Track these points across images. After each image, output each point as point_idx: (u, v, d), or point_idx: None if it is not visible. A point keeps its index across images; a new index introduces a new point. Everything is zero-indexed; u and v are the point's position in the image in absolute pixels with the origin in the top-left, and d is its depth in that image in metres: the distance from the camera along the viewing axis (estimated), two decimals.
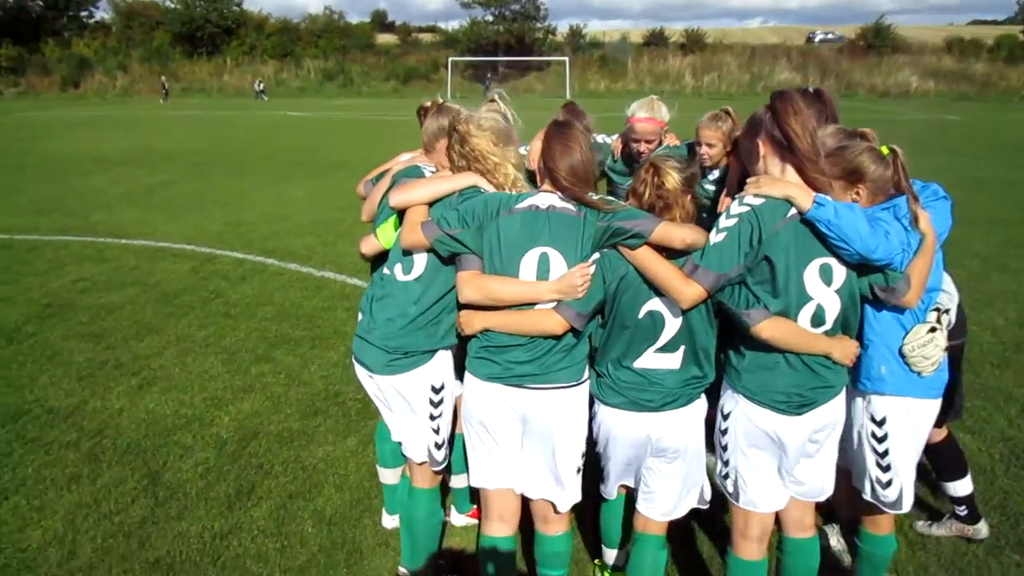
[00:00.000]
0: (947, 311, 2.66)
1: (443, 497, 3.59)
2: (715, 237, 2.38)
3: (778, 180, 2.39)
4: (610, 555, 3.05)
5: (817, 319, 2.40)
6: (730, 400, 2.53)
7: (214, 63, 55.99)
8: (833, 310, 2.41)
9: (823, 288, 2.38)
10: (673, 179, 2.46)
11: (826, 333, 2.43)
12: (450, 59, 53.15)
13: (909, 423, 2.61)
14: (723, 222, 2.39)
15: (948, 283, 2.89)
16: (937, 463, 3.41)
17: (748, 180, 2.50)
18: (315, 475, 4.00)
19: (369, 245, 3.03)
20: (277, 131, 25.04)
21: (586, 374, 2.57)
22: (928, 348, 2.53)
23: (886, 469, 2.63)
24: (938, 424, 3.14)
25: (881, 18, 60.84)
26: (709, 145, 3.69)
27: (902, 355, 2.56)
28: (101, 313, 6.54)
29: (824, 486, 2.62)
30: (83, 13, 63.04)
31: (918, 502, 3.73)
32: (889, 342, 2.57)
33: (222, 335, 6.04)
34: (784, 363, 2.41)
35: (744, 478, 2.54)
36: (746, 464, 2.52)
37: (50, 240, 9.32)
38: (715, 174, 3.79)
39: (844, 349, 2.43)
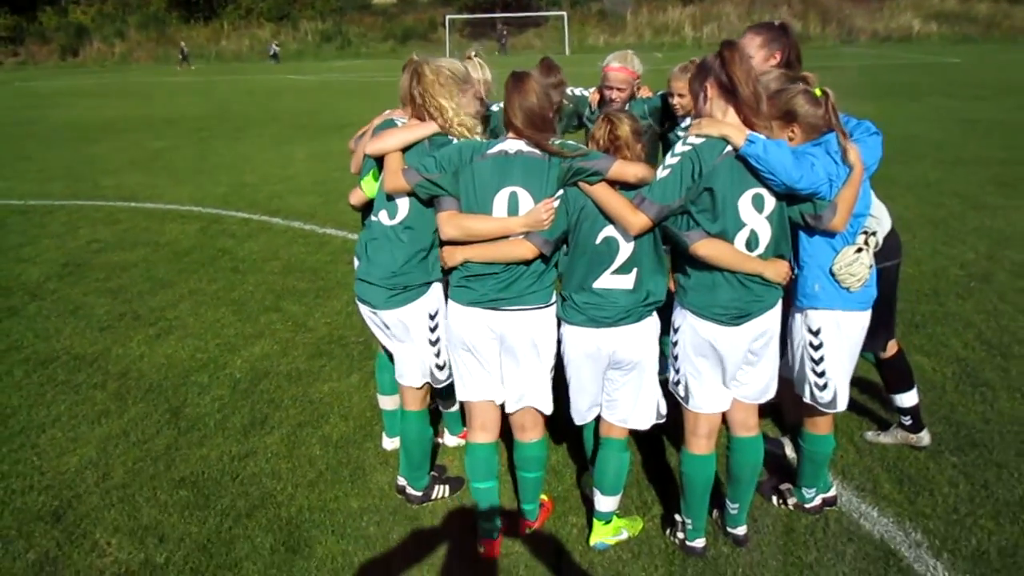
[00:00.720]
0: (874, 233, 2.98)
1: (437, 423, 4.01)
2: (661, 173, 2.70)
3: (716, 121, 2.70)
4: (605, 502, 3.14)
5: (751, 243, 2.73)
6: (679, 316, 2.88)
7: (211, 28, 55.61)
8: (765, 235, 2.73)
9: (755, 215, 2.70)
10: (625, 128, 2.78)
11: (761, 256, 2.75)
12: (447, 17, 52.67)
13: (841, 333, 2.96)
14: (668, 160, 2.72)
15: (879, 209, 3.21)
16: (886, 377, 3.75)
17: (691, 122, 2.82)
18: (321, 407, 4.39)
19: (356, 196, 3.37)
20: (277, 95, 25.17)
21: (553, 298, 2.91)
22: (854, 266, 2.86)
23: (821, 374, 2.99)
24: (880, 341, 3.50)
25: None
26: (680, 95, 3.97)
27: (832, 274, 2.89)
28: (116, 271, 6.92)
29: (765, 389, 2.97)
30: None
31: (868, 413, 4.13)
32: (821, 263, 2.90)
33: (231, 288, 6.42)
34: (723, 281, 2.75)
35: (692, 384, 2.90)
36: (693, 371, 2.88)
37: (63, 204, 9.67)
38: (687, 121, 4.08)
39: (776, 269, 2.76)
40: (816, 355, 2.97)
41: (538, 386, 2.94)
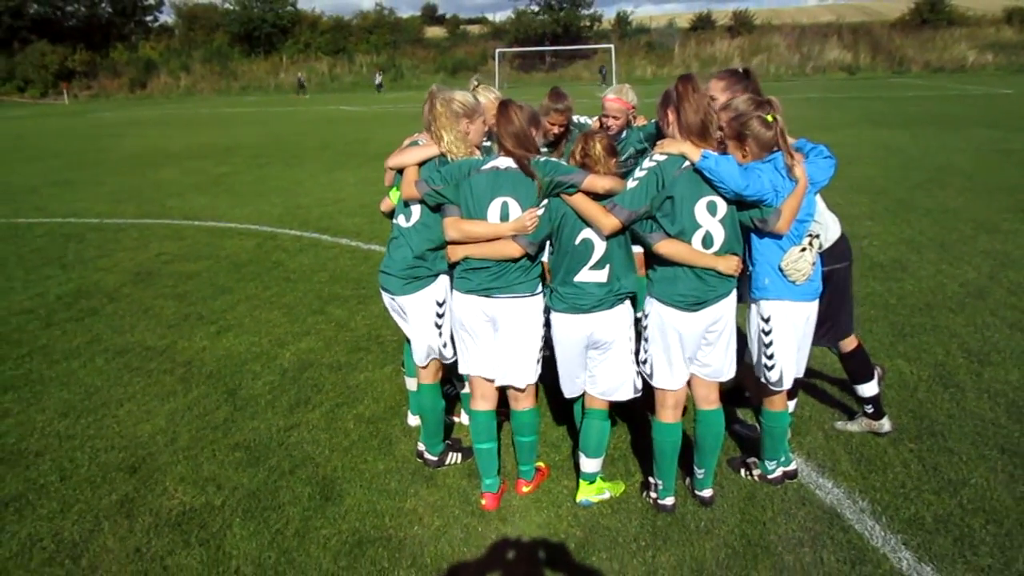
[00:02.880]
0: (817, 236, 3.49)
1: (454, 404, 4.61)
2: (630, 184, 3.29)
3: (676, 141, 3.30)
4: (589, 464, 3.69)
5: (707, 242, 3.28)
6: (647, 303, 3.44)
7: (270, 61, 58.15)
8: (719, 236, 3.28)
9: (710, 218, 3.26)
10: (597, 146, 3.36)
11: (716, 253, 3.30)
12: (497, 50, 54.02)
13: (788, 321, 3.47)
14: (636, 173, 3.31)
15: (825, 217, 3.72)
16: (847, 369, 4.22)
17: (658, 142, 3.41)
18: (357, 392, 5.03)
19: (385, 204, 4.08)
20: (331, 124, 26.42)
21: (538, 289, 3.49)
22: (799, 263, 3.38)
23: (770, 357, 3.50)
24: (831, 336, 3.98)
25: None
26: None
27: (780, 270, 3.42)
28: (182, 279, 7.73)
29: (723, 369, 3.49)
30: (148, 18, 66.08)
31: (837, 404, 4.59)
32: (771, 260, 3.43)
33: (283, 294, 7.15)
34: (683, 274, 3.30)
35: (656, 363, 3.45)
36: (658, 351, 3.43)
37: (134, 223, 10.64)
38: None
39: (727, 263, 3.30)
40: (767, 340, 3.50)
41: (522, 364, 3.51)
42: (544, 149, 4.44)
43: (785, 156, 3.33)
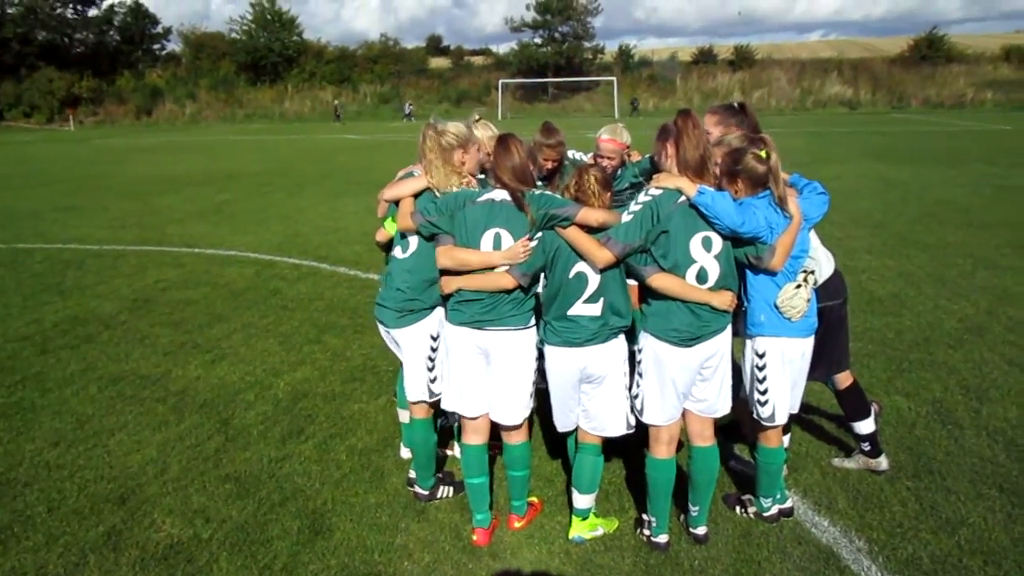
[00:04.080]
0: (812, 272, 3.48)
1: (449, 437, 4.57)
2: (625, 217, 3.29)
3: (672, 176, 3.30)
4: (582, 500, 3.63)
5: (701, 277, 3.27)
6: (641, 338, 3.42)
7: (276, 90, 58.72)
8: (714, 271, 3.28)
9: (704, 254, 3.25)
10: (591, 180, 3.37)
11: (711, 289, 3.29)
12: (500, 81, 54.60)
13: (782, 358, 3.45)
14: (632, 207, 3.30)
15: (819, 253, 3.71)
16: (843, 406, 4.19)
17: (654, 176, 3.42)
18: (351, 423, 4.99)
19: (381, 234, 4.05)
20: (334, 153, 26.61)
21: (531, 322, 3.46)
22: (794, 300, 3.37)
23: (763, 392, 3.48)
24: (823, 371, 3.96)
25: (934, 29, 60.01)
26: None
27: (776, 307, 3.40)
28: (180, 306, 7.72)
29: (717, 404, 3.46)
30: (155, 46, 66.89)
31: (835, 441, 4.55)
32: (766, 296, 3.41)
33: (280, 323, 7.13)
34: (677, 309, 3.29)
35: (647, 399, 3.41)
36: (650, 386, 3.40)
37: (133, 250, 10.66)
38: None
39: (721, 299, 3.28)
40: (760, 375, 3.47)
41: (515, 398, 3.48)
42: (539, 183, 4.45)
43: (775, 190, 3.32)
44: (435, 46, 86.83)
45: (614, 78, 53.84)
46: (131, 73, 61.33)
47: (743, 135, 3.58)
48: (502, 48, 68.10)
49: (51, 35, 59.86)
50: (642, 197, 3.32)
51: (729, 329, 3.40)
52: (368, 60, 62.40)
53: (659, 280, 3.24)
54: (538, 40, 61.23)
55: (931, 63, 56.17)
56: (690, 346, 3.30)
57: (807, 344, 3.51)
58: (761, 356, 3.46)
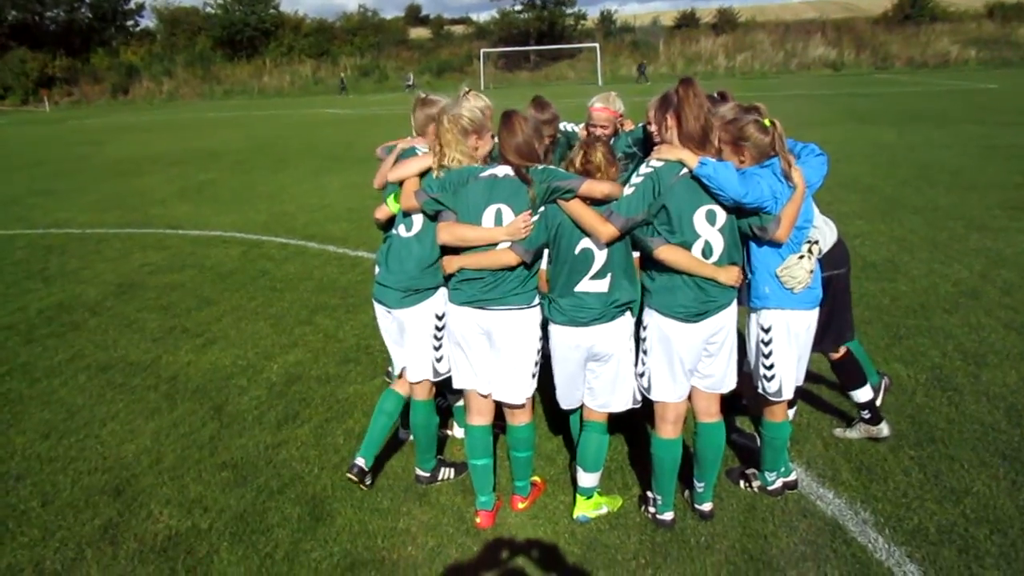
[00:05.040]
0: (816, 242, 3.41)
1: (448, 417, 4.51)
2: (627, 191, 3.20)
3: (673, 147, 3.21)
4: (586, 478, 3.60)
5: (706, 252, 3.20)
6: (646, 315, 3.35)
7: (254, 65, 57.74)
8: (718, 245, 3.20)
9: (709, 228, 3.18)
10: (598, 154, 3.28)
11: (715, 263, 3.22)
12: (482, 51, 53.94)
13: (788, 331, 3.39)
14: (633, 180, 3.22)
15: (822, 222, 3.64)
16: (840, 376, 4.17)
17: (654, 147, 3.33)
18: (347, 405, 4.92)
19: (382, 211, 3.93)
20: (315, 128, 26.24)
21: (535, 300, 3.39)
22: (795, 270, 3.30)
23: (769, 367, 3.42)
24: (828, 342, 3.92)
25: None
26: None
27: (777, 277, 3.34)
28: (166, 290, 7.59)
29: (724, 380, 3.41)
30: (129, 22, 65.47)
31: (835, 411, 4.53)
32: (770, 268, 3.34)
33: (270, 304, 7.03)
34: (682, 284, 3.22)
35: (655, 376, 3.36)
36: (657, 363, 3.34)
37: (116, 232, 10.47)
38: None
39: (728, 274, 3.22)
40: (766, 350, 3.42)
41: (518, 379, 3.42)
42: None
43: (783, 161, 3.25)
44: (415, 16, 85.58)
45: (596, 44, 53.26)
46: (105, 51, 60.04)
47: (736, 105, 3.50)
48: (483, 16, 67.21)
49: (21, 14, 58.42)
50: (643, 169, 3.23)
51: (735, 304, 3.34)
52: (347, 32, 61.39)
53: (667, 252, 3.16)
54: (519, 7, 60.40)
55: (915, 22, 55.82)
56: (696, 322, 3.24)
57: (812, 316, 3.45)
58: (767, 331, 3.40)
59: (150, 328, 6.53)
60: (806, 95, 31.78)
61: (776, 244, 3.31)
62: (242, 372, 5.51)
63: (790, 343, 3.41)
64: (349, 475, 3.82)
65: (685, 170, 3.16)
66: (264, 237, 9.81)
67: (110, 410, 4.99)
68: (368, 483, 3.90)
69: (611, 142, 4.42)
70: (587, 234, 3.24)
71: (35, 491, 4.07)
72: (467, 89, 3.95)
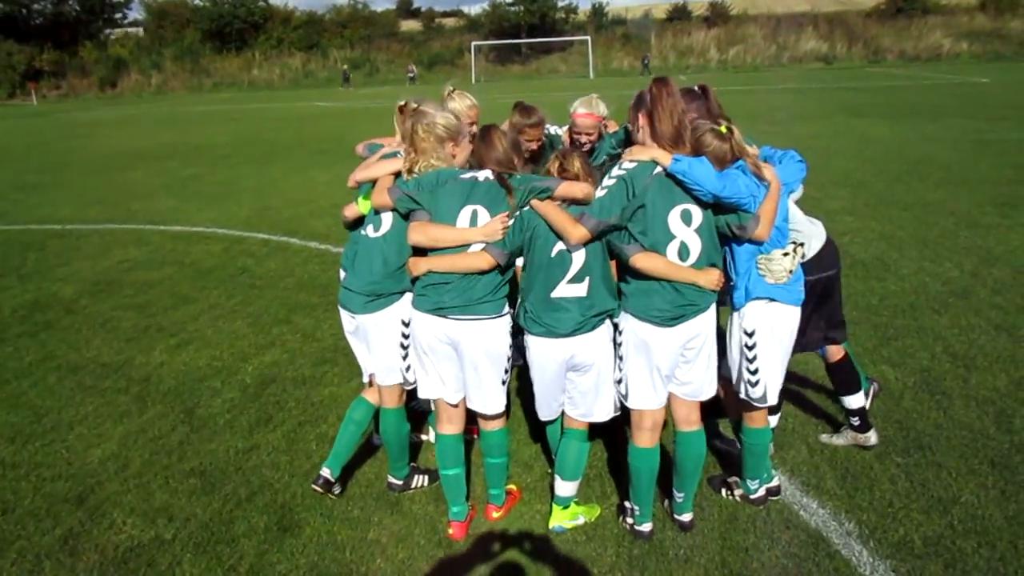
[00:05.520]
0: (801, 244, 3.30)
1: (423, 422, 4.39)
2: (599, 193, 3.09)
3: (646, 147, 3.10)
4: (564, 487, 3.47)
5: (683, 253, 3.08)
6: (622, 319, 3.23)
7: (243, 58, 57.35)
8: (695, 246, 3.09)
9: (684, 228, 3.06)
10: (576, 163, 3.19)
11: (694, 265, 3.10)
12: (473, 44, 53.66)
13: (772, 334, 3.27)
14: (605, 182, 3.11)
15: (807, 223, 3.53)
16: (834, 380, 4.06)
17: (626, 149, 3.21)
18: (321, 408, 4.79)
19: (351, 210, 3.79)
20: (304, 121, 26.02)
21: (506, 310, 3.26)
22: (774, 263, 3.18)
23: (754, 372, 3.30)
24: (813, 345, 3.81)
25: None
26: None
27: (756, 264, 3.21)
28: (144, 288, 7.44)
29: (703, 387, 3.29)
30: (117, 15, 64.89)
31: (822, 415, 4.43)
32: (753, 266, 3.23)
33: (248, 303, 6.88)
34: (659, 288, 3.10)
35: (631, 382, 3.24)
36: (634, 370, 3.22)
37: (97, 228, 10.30)
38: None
39: (708, 277, 3.10)
40: (750, 354, 3.30)
41: (488, 391, 3.30)
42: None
43: (748, 162, 3.13)
44: (406, 8, 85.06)
45: (588, 38, 53.06)
46: (93, 44, 59.52)
47: (694, 119, 3.35)
48: (474, 9, 66.80)
49: (8, 6, 57.79)
50: (615, 171, 3.12)
51: (713, 308, 3.22)
52: (337, 25, 61.00)
53: (643, 260, 3.05)
54: (510, 0, 60.07)
55: (907, 15, 55.82)
56: (672, 326, 3.12)
57: (795, 316, 3.32)
58: (751, 335, 3.28)
59: (124, 327, 6.38)
60: (798, 88, 31.74)
61: (757, 243, 3.20)
62: (216, 374, 5.37)
63: (774, 345, 3.30)
64: (314, 486, 3.69)
65: (659, 169, 3.04)
66: (246, 233, 9.65)
67: (78, 413, 4.85)
68: (337, 492, 3.77)
69: (596, 146, 4.31)
70: (558, 236, 3.12)
71: None
72: (451, 88, 3.85)
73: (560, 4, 59.96)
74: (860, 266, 7.13)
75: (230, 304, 6.88)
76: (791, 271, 3.21)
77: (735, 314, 3.36)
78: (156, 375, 5.39)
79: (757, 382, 3.32)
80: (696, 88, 3.56)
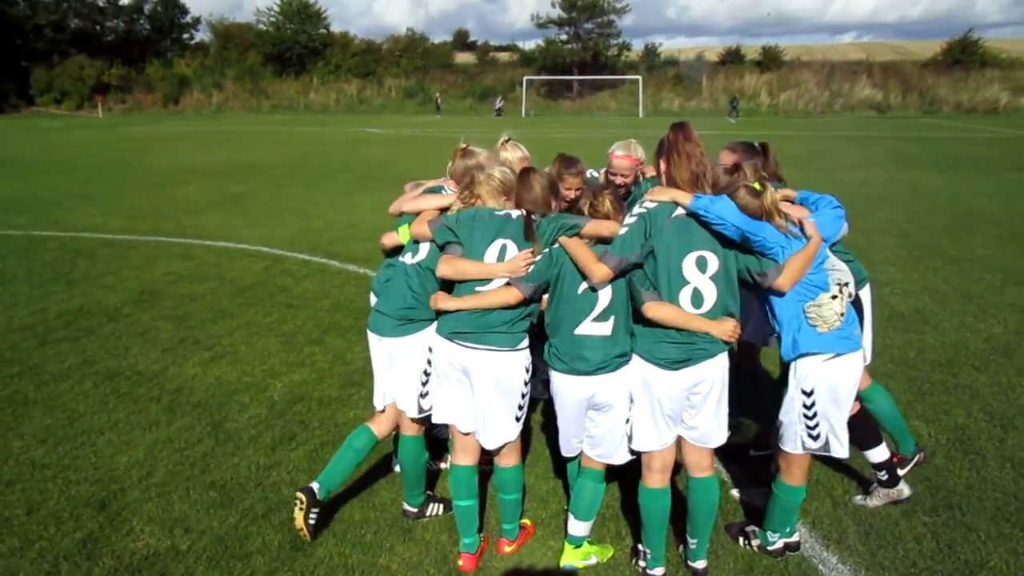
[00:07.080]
0: (847, 284, 3.24)
1: (444, 450, 4.40)
2: (621, 231, 3.11)
3: (666, 189, 3.14)
4: (578, 527, 3.44)
5: (696, 300, 3.06)
6: (632, 358, 3.22)
7: (301, 81, 58.89)
8: (710, 294, 3.07)
9: (699, 275, 3.05)
10: (607, 203, 3.23)
11: (708, 313, 3.07)
12: (525, 78, 54.31)
13: (835, 389, 3.19)
14: (627, 220, 3.14)
15: (838, 263, 3.44)
16: (852, 435, 3.95)
17: (648, 191, 3.25)
18: (345, 430, 4.81)
19: (390, 239, 3.89)
20: (356, 146, 26.54)
21: (523, 344, 3.26)
22: (823, 310, 3.13)
23: (814, 427, 3.23)
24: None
25: (968, 32, 58.78)
26: None
27: (805, 314, 3.17)
28: (184, 300, 7.62)
29: (711, 433, 3.22)
30: (184, 35, 67.42)
31: (846, 470, 4.31)
32: (798, 312, 3.17)
33: (283, 321, 7.00)
34: (669, 331, 3.08)
35: (636, 423, 3.22)
36: (638, 411, 3.19)
37: (146, 240, 10.61)
38: None
39: (722, 328, 3.06)
40: (809, 412, 3.22)
41: (498, 424, 3.29)
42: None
43: (780, 219, 3.10)
44: (462, 41, 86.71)
45: (639, 77, 53.33)
46: (160, 62, 61.83)
47: (724, 170, 3.33)
48: (528, 44, 67.72)
49: (83, 23, 60.51)
50: (636, 209, 3.16)
51: (724, 356, 3.17)
52: (393, 54, 62.38)
53: (654, 310, 3.05)
54: (564, 37, 60.82)
55: (964, 67, 55.01)
56: (676, 369, 3.09)
57: (856, 362, 3.25)
58: (809, 394, 3.20)
59: (163, 338, 6.54)
60: (849, 136, 31.40)
61: (777, 294, 3.16)
62: (245, 389, 5.46)
63: (836, 400, 3.22)
64: (298, 493, 3.59)
65: (680, 211, 3.06)
66: (288, 253, 9.84)
67: (110, 419, 4.96)
68: (313, 513, 3.58)
69: (632, 190, 4.33)
70: (582, 274, 3.14)
71: (23, 498, 4.04)
72: (507, 137, 3.96)
73: (613, 43, 60.49)
74: (899, 318, 6.98)
75: (266, 321, 7.00)
76: (842, 313, 3.16)
77: (790, 368, 3.29)
78: (188, 387, 5.50)
79: (818, 435, 3.27)
80: (756, 144, 3.58)
